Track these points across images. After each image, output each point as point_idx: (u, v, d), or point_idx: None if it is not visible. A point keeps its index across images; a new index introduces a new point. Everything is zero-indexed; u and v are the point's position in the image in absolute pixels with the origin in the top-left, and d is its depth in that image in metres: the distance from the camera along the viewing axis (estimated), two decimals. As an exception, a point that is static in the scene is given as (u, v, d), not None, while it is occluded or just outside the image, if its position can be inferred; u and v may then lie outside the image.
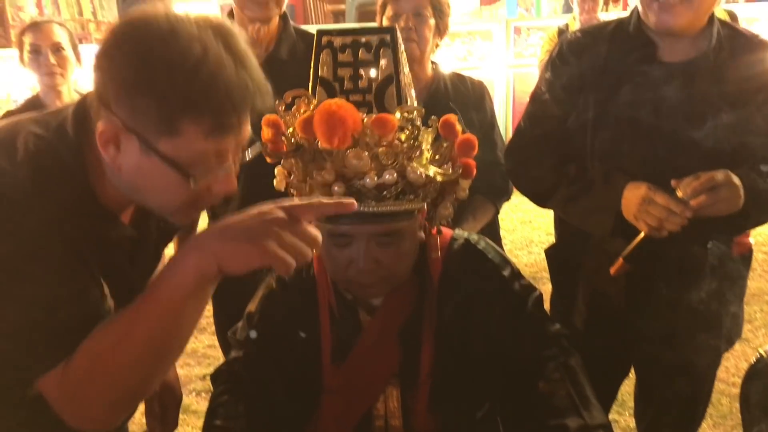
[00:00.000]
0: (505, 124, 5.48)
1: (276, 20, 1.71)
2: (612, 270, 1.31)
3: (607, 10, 6.24)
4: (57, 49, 2.23)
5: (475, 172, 1.19)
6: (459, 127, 1.16)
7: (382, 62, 1.15)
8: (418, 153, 1.11)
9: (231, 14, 1.72)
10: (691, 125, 1.28)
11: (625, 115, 1.32)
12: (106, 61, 0.79)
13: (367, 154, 1.07)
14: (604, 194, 1.32)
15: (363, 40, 1.15)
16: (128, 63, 0.77)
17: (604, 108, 1.34)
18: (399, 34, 1.18)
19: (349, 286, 1.18)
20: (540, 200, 1.50)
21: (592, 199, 1.34)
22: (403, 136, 1.11)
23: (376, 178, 1.07)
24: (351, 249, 1.11)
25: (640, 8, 1.31)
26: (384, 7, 1.89)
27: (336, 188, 1.08)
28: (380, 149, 1.08)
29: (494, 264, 1.23)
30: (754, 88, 1.30)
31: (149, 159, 0.79)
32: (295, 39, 1.76)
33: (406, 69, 1.18)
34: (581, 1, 3.82)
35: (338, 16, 6.61)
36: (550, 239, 4.22)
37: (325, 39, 1.16)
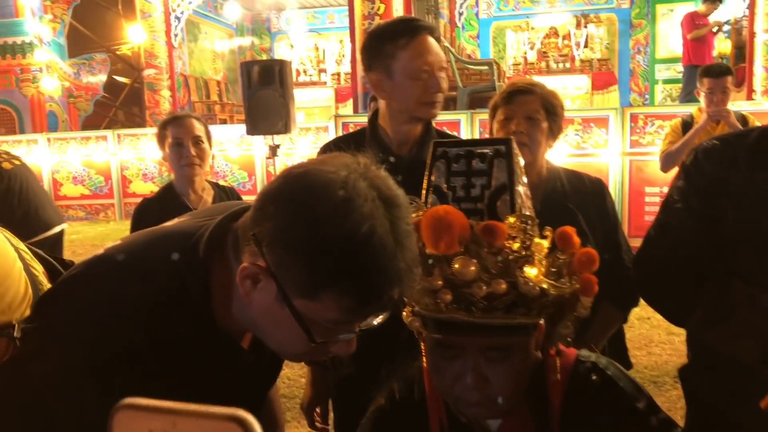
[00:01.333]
0: (621, 213, 5.26)
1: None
2: (763, 403, 1.14)
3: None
4: (197, 141, 2.35)
5: (596, 288, 1.09)
6: (577, 240, 1.08)
7: (496, 172, 1.12)
8: (530, 264, 1.04)
9: (374, 98, 1.80)
10: None
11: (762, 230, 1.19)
12: (273, 206, 0.80)
13: (475, 261, 1.02)
14: (749, 318, 1.17)
15: (477, 151, 1.14)
16: (294, 220, 0.77)
17: (748, 222, 1.21)
18: (514, 144, 1.14)
19: (457, 404, 1.10)
20: (675, 319, 1.35)
21: (735, 324, 1.20)
22: (515, 246, 1.04)
23: (485, 288, 1.01)
24: (458, 363, 1.04)
25: None
26: (495, 109, 1.85)
27: (444, 295, 1.02)
28: (490, 258, 1.02)
29: (626, 394, 1.09)
30: None
31: (281, 308, 0.81)
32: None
33: (522, 178, 1.13)
34: (709, 92, 3.62)
35: (449, 102, 6.73)
36: (672, 339, 3.92)
37: (440, 150, 1.16)
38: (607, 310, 1.72)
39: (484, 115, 5.78)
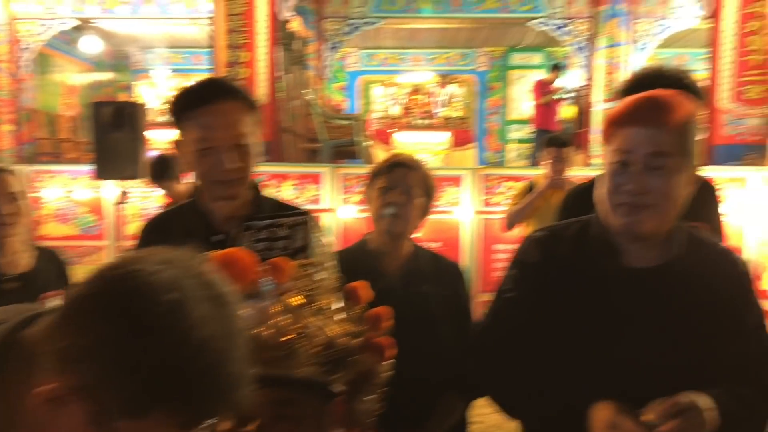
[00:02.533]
0: (473, 269, 5.46)
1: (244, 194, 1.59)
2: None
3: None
4: (11, 199, 2.13)
5: (388, 352, 1.09)
6: (365, 295, 1.10)
7: (296, 238, 1.24)
8: (316, 311, 1.03)
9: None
10: (659, 336, 1.20)
11: (589, 322, 1.24)
12: (87, 314, 0.68)
13: (262, 304, 1.01)
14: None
15: (280, 222, 1.25)
16: (116, 331, 0.66)
17: (567, 314, 1.26)
18: (312, 217, 1.29)
19: None
20: (508, 410, 1.37)
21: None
22: (300, 293, 1.05)
23: (271, 333, 0.98)
24: None
25: (601, 211, 1.26)
26: (375, 176, 1.87)
27: None
28: (276, 301, 1.01)
29: None
30: (722, 299, 1.23)
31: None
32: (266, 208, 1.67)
33: (321, 243, 1.25)
34: (550, 160, 3.88)
35: (313, 154, 6.74)
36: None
37: (246, 225, 1.25)
38: (447, 399, 1.73)
39: (347, 168, 5.84)
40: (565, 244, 1.31)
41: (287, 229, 1.24)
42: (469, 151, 11.42)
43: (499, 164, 11.51)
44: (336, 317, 1.06)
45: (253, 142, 1.51)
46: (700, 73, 7.60)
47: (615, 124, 1.22)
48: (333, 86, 12.11)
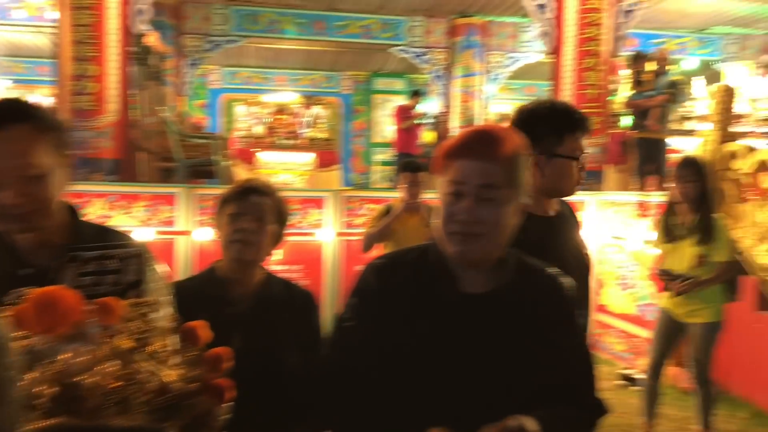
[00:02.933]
0: (335, 290, 5.46)
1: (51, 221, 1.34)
2: None
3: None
4: None
5: (227, 394, 1.05)
6: (205, 334, 1.05)
7: (128, 271, 1.18)
8: (150, 355, 0.98)
9: None
10: (490, 360, 1.24)
11: (424, 348, 1.26)
12: None
13: (89, 348, 0.92)
14: None
15: (110, 253, 1.19)
16: None
17: (404, 341, 1.27)
18: (148, 250, 1.18)
19: None
20: None
21: None
22: (131, 334, 0.98)
23: (98, 380, 0.90)
24: None
25: (438, 239, 1.29)
26: (225, 202, 1.80)
27: (47, 393, 0.88)
28: (105, 344, 0.93)
29: None
30: (551, 322, 1.30)
31: None
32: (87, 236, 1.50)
33: (156, 277, 1.19)
34: (406, 185, 3.98)
35: (168, 173, 6.46)
36: None
37: (71, 255, 1.17)
38: (298, 429, 1.69)
39: (203, 189, 5.63)
40: (404, 270, 1.33)
41: (118, 261, 1.17)
42: (334, 173, 11.51)
43: (365, 186, 11.70)
44: (171, 360, 1.00)
45: (54, 167, 1.30)
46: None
47: (448, 156, 1.26)
48: (194, 103, 11.75)
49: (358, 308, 1.34)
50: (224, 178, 6.45)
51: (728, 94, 5.28)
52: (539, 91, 11.56)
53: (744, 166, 4.85)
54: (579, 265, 1.90)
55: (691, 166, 3.68)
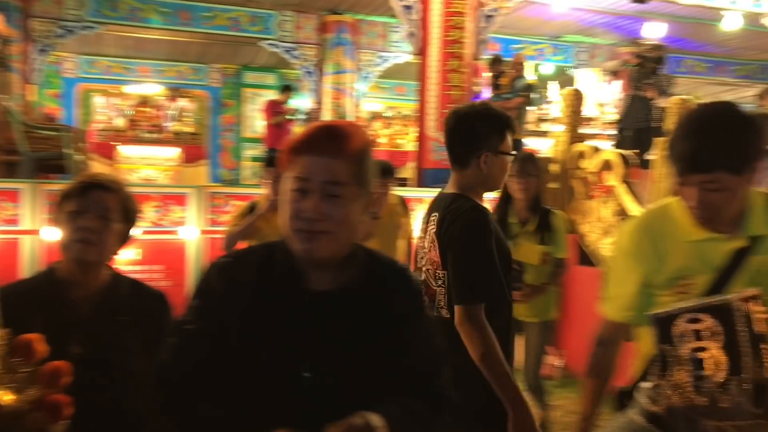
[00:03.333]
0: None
1: None
2: None
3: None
4: None
5: (65, 411, 0.98)
6: (41, 348, 0.97)
7: None
8: None
9: None
10: (340, 356, 1.23)
11: (272, 348, 1.23)
12: None
13: None
14: None
15: None
16: None
17: (248, 341, 1.24)
18: None
19: None
20: None
21: None
22: None
23: None
24: None
25: (285, 236, 1.27)
26: (65, 199, 1.67)
27: None
28: None
29: None
30: (401, 316, 1.31)
31: None
32: None
33: None
34: (274, 182, 3.90)
35: (12, 168, 5.93)
36: None
37: None
38: None
39: (52, 185, 5.22)
40: (249, 269, 1.29)
41: None
42: (201, 168, 11.12)
43: (235, 182, 11.40)
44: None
45: None
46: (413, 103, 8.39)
47: (294, 152, 1.24)
48: (46, 93, 10.89)
49: (199, 310, 1.28)
50: (77, 173, 6.03)
51: (577, 98, 5.67)
52: (409, 90, 11.83)
53: (590, 165, 5.24)
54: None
55: (532, 160, 3.59)
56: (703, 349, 1.09)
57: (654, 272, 1.59)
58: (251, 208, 4.00)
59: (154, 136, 11.20)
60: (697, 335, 1.09)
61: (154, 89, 12.09)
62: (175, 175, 10.88)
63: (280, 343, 1.24)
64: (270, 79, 12.52)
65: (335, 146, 1.22)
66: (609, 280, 1.72)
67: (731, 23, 8.41)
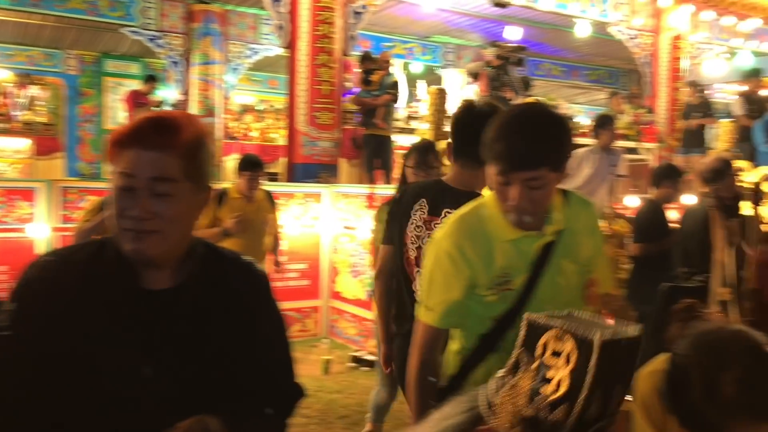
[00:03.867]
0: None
1: None
2: None
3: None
4: None
5: None
6: None
7: None
8: None
9: None
10: (179, 359, 1.18)
11: (98, 351, 1.15)
12: None
13: None
14: None
15: None
16: None
17: (73, 345, 1.15)
18: None
19: None
20: None
21: None
22: None
23: None
24: None
25: (114, 234, 1.20)
26: None
27: None
28: None
29: None
30: (246, 311, 1.28)
31: None
32: None
33: None
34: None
35: None
36: None
37: None
38: None
39: None
40: (75, 268, 1.20)
41: None
42: (56, 161, 10.35)
43: (95, 176, 10.71)
44: None
45: None
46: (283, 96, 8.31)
47: (118, 144, 1.15)
48: None
49: (17, 314, 1.18)
50: None
51: (441, 96, 5.87)
52: (281, 84, 11.68)
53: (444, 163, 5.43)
54: None
55: (433, 151, 3.28)
56: (552, 367, 1.14)
57: (479, 273, 1.61)
58: (103, 204, 3.80)
59: (1, 126, 10.25)
60: (556, 353, 1.14)
61: (1, 75, 11.09)
62: (26, 169, 10.06)
63: (111, 344, 1.17)
64: (133, 68, 11.89)
65: (163, 139, 1.14)
66: (431, 288, 1.67)
67: (582, 30, 9.05)
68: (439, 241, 1.68)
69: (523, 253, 1.62)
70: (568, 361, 1.13)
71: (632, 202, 6.27)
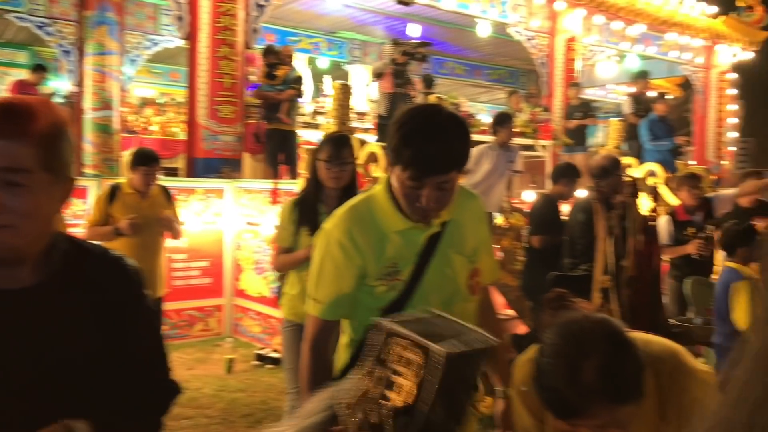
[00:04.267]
0: None
1: None
2: None
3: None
4: None
5: None
6: None
7: None
8: None
9: None
10: (40, 359, 1.12)
11: None
12: None
13: None
14: None
15: None
16: None
17: None
18: None
19: None
20: None
21: None
22: None
23: None
24: None
25: None
26: None
27: None
28: None
29: None
30: (115, 307, 1.23)
31: None
32: None
33: None
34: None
35: None
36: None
37: None
38: None
39: None
40: None
41: None
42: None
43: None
44: None
45: None
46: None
47: None
48: None
49: None
50: None
51: (345, 92, 5.87)
52: (183, 77, 11.31)
53: (358, 157, 5.47)
54: None
55: (348, 145, 3.03)
56: (401, 375, 1.17)
57: (369, 263, 1.64)
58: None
59: None
60: (407, 361, 1.17)
61: None
62: None
63: None
64: (20, 56, 11.17)
65: (13, 127, 1.07)
66: (320, 280, 1.68)
67: (483, 30, 9.32)
68: (329, 231, 1.69)
69: (411, 243, 1.66)
70: (415, 369, 1.16)
71: (529, 196, 6.54)
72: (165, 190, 4.39)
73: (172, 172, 7.32)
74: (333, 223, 1.70)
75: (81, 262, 1.23)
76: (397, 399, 1.15)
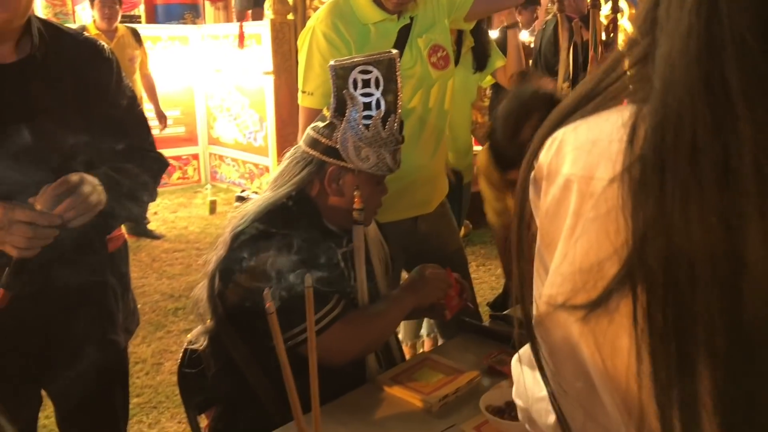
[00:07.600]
0: None
1: None
2: None
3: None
4: None
5: None
6: None
7: None
8: None
9: None
10: (28, 128, 1.20)
11: None
12: None
13: None
14: None
15: None
16: None
17: None
18: None
19: None
20: None
21: None
22: None
23: None
24: None
25: None
26: None
27: None
28: None
29: None
30: (90, 84, 1.32)
31: None
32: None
33: None
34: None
35: None
36: None
37: None
38: None
39: None
40: None
41: None
42: None
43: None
44: None
45: None
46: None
47: None
48: None
49: None
50: None
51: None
52: None
53: None
54: None
55: None
56: (370, 95, 1.32)
57: (354, 54, 1.71)
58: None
59: None
60: (366, 83, 1.32)
61: None
62: None
63: None
64: None
65: None
66: (309, 73, 1.77)
67: None
68: (314, 27, 1.77)
69: (386, 34, 1.77)
70: (377, 83, 1.37)
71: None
72: (134, 31, 4.33)
73: (135, 21, 7.06)
74: (318, 18, 1.78)
75: (57, 41, 1.30)
76: (376, 111, 1.37)
